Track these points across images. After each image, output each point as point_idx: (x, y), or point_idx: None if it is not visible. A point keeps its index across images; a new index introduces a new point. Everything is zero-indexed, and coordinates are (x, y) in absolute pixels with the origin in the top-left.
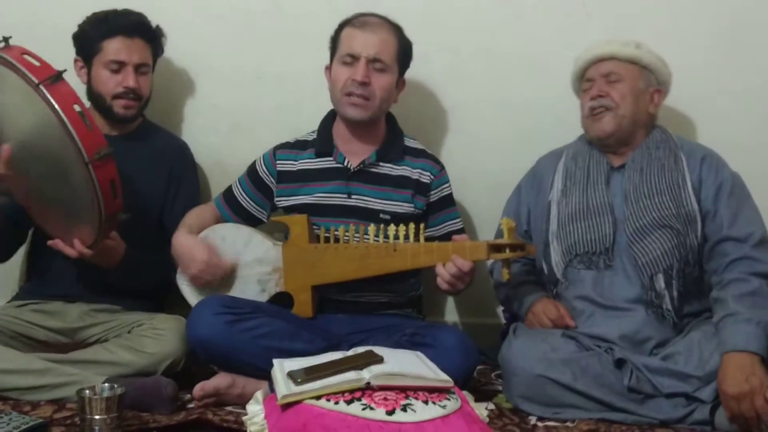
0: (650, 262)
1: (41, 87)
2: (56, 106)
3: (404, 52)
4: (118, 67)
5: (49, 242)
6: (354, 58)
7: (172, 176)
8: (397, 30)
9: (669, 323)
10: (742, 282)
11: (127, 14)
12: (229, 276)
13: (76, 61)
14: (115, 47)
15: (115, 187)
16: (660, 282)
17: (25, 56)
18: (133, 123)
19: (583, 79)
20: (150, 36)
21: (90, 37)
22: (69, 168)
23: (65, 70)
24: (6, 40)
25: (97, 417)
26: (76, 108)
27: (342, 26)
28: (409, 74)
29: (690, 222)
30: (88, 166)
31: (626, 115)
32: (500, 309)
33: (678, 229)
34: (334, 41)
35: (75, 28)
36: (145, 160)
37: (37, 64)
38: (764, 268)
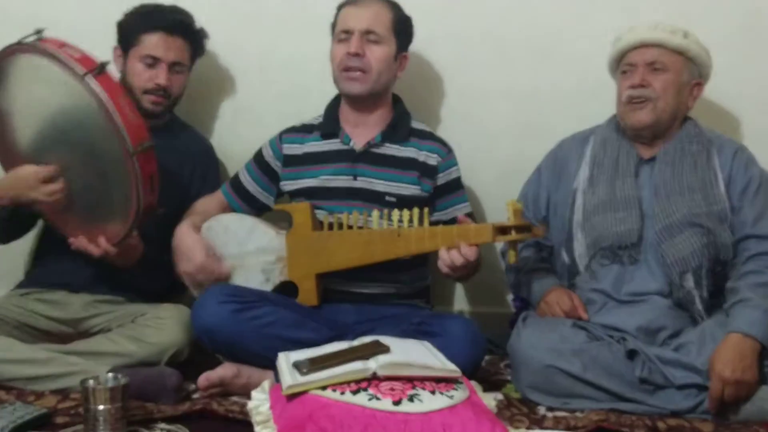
0: (679, 261)
1: (87, 78)
2: (103, 97)
3: (401, 24)
4: (153, 62)
5: (71, 240)
6: (348, 33)
7: (195, 175)
8: (391, 3)
9: (686, 312)
10: (759, 274)
11: (172, 11)
12: (232, 259)
13: (115, 49)
14: (153, 42)
15: (154, 181)
16: (689, 281)
17: (65, 48)
18: (161, 119)
19: (622, 62)
20: (191, 36)
21: (131, 28)
22: (107, 160)
23: (109, 62)
24: (40, 32)
25: (101, 407)
26: (123, 100)
27: (338, 9)
28: (416, 62)
29: (722, 220)
30: (132, 158)
31: (666, 108)
32: (510, 297)
33: (709, 227)
34: (333, 25)
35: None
36: (170, 157)
37: (77, 55)
38: None
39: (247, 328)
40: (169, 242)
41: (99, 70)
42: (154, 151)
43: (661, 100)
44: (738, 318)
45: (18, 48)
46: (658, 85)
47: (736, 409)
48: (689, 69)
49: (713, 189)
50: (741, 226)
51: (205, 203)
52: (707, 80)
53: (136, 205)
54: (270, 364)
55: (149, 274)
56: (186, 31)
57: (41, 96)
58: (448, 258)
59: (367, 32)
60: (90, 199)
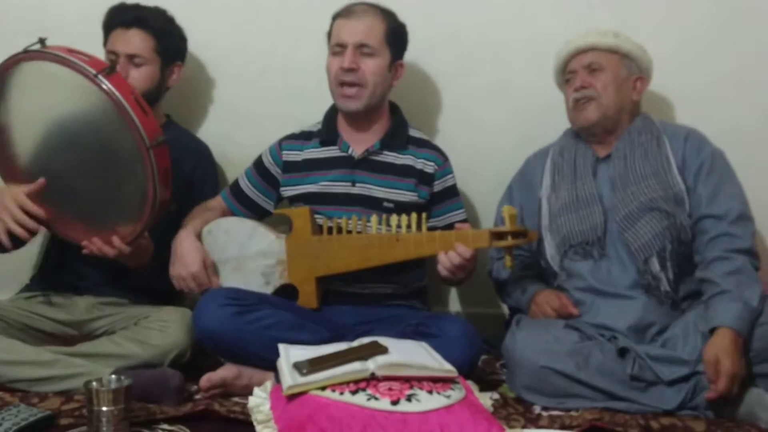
0: (643, 246)
1: (99, 77)
2: (117, 94)
3: (394, 34)
4: (115, 57)
5: (85, 244)
6: (342, 46)
7: (193, 178)
8: (385, 13)
9: (668, 306)
10: (726, 261)
11: (133, 8)
12: (232, 262)
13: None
14: (112, 38)
15: (168, 176)
16: (655, 265)
17: (73, 53)
18: (159, 120)
19: (565, 72)
20: (150, 28)
21: (103, 28)
22: (122, 157)
23: (118, 62)
24: (42, 41)
25: (104, 408)
26: (134, 96)
27: (333, 19)
28: (413, 65)
29: (679, 202)
30: (149, 151)
31: (610, 104)
32: None
33: (667, 210)
34: (328, 34)
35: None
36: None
37: (87, 58)
38: (743, 244)
39: (247, 331)
40: (167, 241)
41: (109, 69)
42: (167, 146)
43: (603, 96)
44: (721, 312)
45: (24, 56)
46: (598, 84)
47: (731, 407)
48: (626, 65)
49: (666, 174)
50: (696, 205)
51: (205, 208)
52: (649, 74)
53: (152, 200)
54: (270, 366)
55: (156, 274)
56: (143, 23)
57: (49, 102)
58: (447, 261)
59: (361, 45)
60: (102, 202)
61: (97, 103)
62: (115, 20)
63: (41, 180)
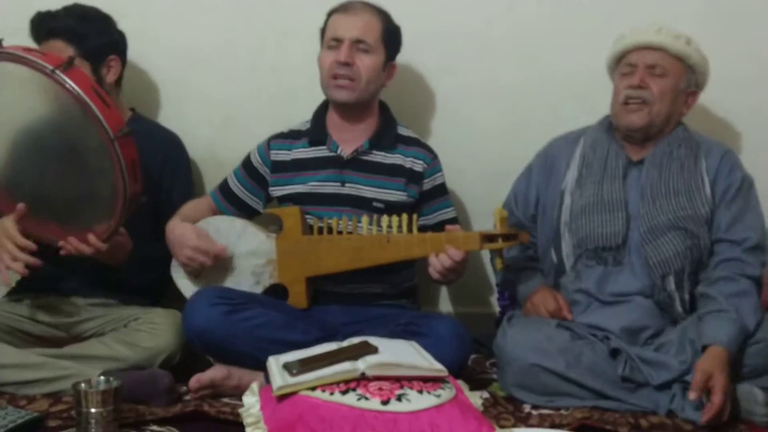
0: (662, 263)
1: (57, 72)
2: (76, 88)
3: (390, 34)
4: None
5: (61, 244)
6: (338, 41)
7: (165, 169)
8: (381, 13)
9: (667, 313)
10: (732, 281)
11: (43, 19)
12: (222, 261)
13: None
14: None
15: (136, 168)
16: (671, 284)
17: (30, 51)
18: (123, 116)
19: (622, 61)
20: (62, 34)
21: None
22: (88, 153)
23: (75, 57)
24: None
25: (93, 410)
26: (94, 89)
27: (328, 15)
28: (402, 63)
29: (705, 224)
30: (114, 143)
31: (661, 113)
32: (494, 298)
33: (692, 231)
34: (323, 31)
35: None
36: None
37: (43, 55)
38: (753, 271)
39: (237, 330)
40: (151, 236)
41: (67, 64)
42: (132, 138)
43: (657, 104)
44: (720, 331)
45: None
46: (656, 88)
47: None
48: (687, 76)
49: (699, 193)
50: (715, 228)
51: (194, 206)
52: (702, 89)
53: (123, 193)
54: (260, 365)
55: (137, 270)
56: (54, 33)
57: (10, 102)
58: (438, 263)
59: (357, 41)
60: (73, 201)
61: (58, 99)
62: (33, 35)
63: (21, 205)
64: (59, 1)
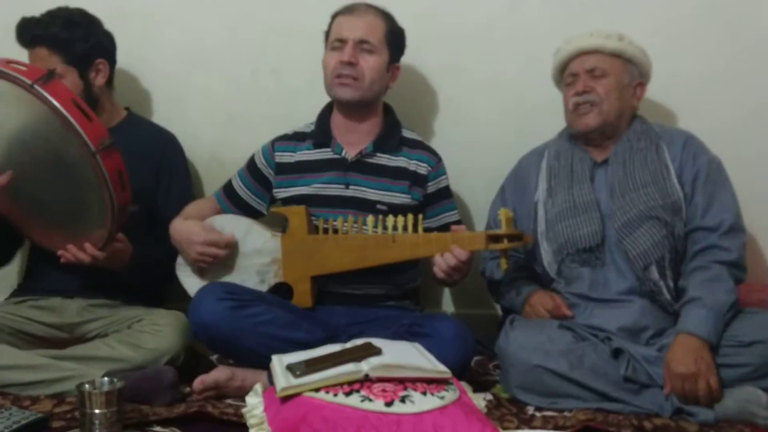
0: (642, 254)
1: (36, 87)
2: (54, 102)
3: (394, 35)
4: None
5: (60, 253)
6: (342, 42)
7: (162, 169)
8: (385, 15)
9: (667, 312)
10: (703, 270)
11: (28, 25)
12: (227, 260)
13: None
14: (29, 58)
15: (123, 178)
16: (654, 273)
17: (11, 64)
18: (116, 117)
19: (565, 73)
20: (48, 41)
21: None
22: (73, 165)
23: (55, 69)
24: None
25: (97, 411)
26: (74, 102)
27: (332, 17)
28: (406, 64)
29: (676, 211)
30: (95, 157)
31: (611, 110)
32: None
33: (665, 219)
34: (326, 33)
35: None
36: (131, 155)
37: (24, 68)
38: (728, 256)
39: (243, 326)
40: (152, 237)
41: (47, 77)
42: (116, 148)
43: (605, 103)
44: (686, 318)
45: None
46: (601, 89)
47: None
48: (629, 70)
49: (666, 181)
50: (692, 216)
51: (197, 206)
52: (648, 79)
53: (110, 204)
54: (264, 362)
55: (140, 272)
56: (40, 40)
57: (2, 114)
58: (443, 263)
59: (361, 42)
60: (68, 210)
61: (40, 113)
62: (20, 41)
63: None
64: (58, 2)
